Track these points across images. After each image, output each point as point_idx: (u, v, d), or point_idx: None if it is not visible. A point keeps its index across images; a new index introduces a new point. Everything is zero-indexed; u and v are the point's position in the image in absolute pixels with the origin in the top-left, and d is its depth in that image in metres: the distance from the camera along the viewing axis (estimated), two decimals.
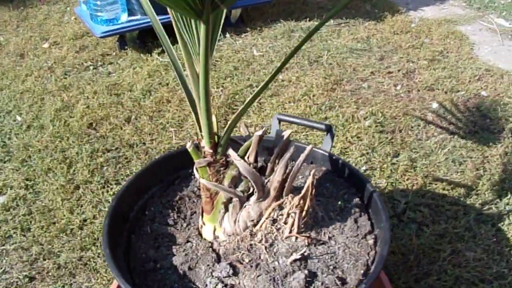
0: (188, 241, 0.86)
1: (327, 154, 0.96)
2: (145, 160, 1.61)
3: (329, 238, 0.80)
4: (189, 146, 0.75)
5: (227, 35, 2.51)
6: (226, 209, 0.81)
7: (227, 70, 2.15)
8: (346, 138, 1.64)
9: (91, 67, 2.36)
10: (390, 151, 1.57)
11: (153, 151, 1.65)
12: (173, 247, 0.84)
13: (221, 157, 0.77)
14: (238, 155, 0.75)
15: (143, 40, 2.48)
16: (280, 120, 1.01)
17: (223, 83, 2.05)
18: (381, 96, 1.92)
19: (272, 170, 0.78)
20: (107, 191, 1.47)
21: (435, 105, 1.87)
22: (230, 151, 0.75)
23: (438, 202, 1.37)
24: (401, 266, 1.17)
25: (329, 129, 0.96)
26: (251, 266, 0.76)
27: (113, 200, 0.88)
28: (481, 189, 1.43)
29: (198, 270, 0.78)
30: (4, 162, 1.64)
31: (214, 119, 0.75)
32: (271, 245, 0.78)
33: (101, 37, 2.34)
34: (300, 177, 0.96)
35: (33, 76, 2.26)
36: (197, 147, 0.77)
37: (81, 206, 1.42)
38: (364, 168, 1.49)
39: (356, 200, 0.88)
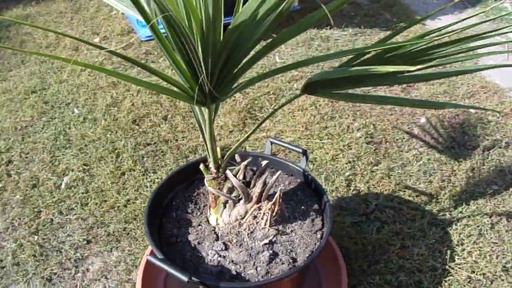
0: (199, 225, 1.30)
1: (301, 170, 1.37)
2: (177, 154, 2.07)
3: (291, 231, 1.23)
4: (201, 167, 1.19)
5: None
6: (224, 207, 1.24)
7: (250, 76, 2.56)
8: (339, 146, 2.04)
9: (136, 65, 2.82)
10: (373, 160, 1.97)
11: (184, 147, 2.11)
12: (189, 228, 1.29)
13: (222, 174, 1.20)
14: (233, 174, 1.19)
15: None
16: (271, 142, 1.44)
17: (245, 89, 2.47)
18: (377, 109, 2.29)
19: (255, 185, 1.21)
20: (146, 178, 1.95)
21: (423, 120, 2.22)
22: (228, 172, 1.18)
23: (402, 206, 1.76)
24: (360, 253, 1.59)
25: (304, 153, 1.37)
26: (237, 245, 1.19)
27: (152, 193, 1.33)
28: (441, 198, 1.81)
29: (204, 244, 1.23)
30: (66, 149, 2.14)
31: (218, 150, 1.18)
32: (251, 232, 1.21)
33: (145, 41, 2.80)
34: (281, 185, 1.39)
35: (87, 71, 2.74)
36: (207, 166, 1.21)
37: (126, 189, 1.90)
38: (347, 173, 1.90)
39: (316, 206, 1.29)
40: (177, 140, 2.16)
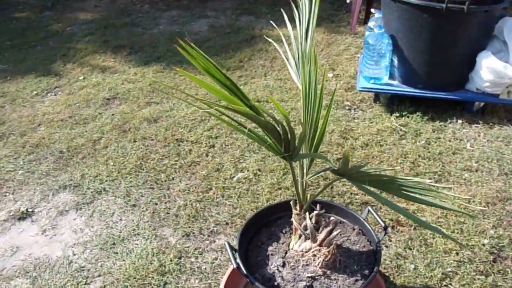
0: (282, 243, 1.76)
1: (376, 239, 1.68)
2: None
3: (334, 279, 1.56)
4: (291, 203, 1.66)
5: (459, 121, 3.06)
6: (299, 238, 1.67)
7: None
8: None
9: (347, 107, 3.33)
10: None
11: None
12: (274, 242, 1.76)
13: (303, 213, 1.64)
14: (309, 217, 1.61)
15: (392, 101, 3.28)
16: (369, 210, 1.78)
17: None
18: None
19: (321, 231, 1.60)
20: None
21: None
22: (306, 214, 1.61)
23: None
24: None
25: (385, 228, 1.67)
26: (291, 268, 1.61)
27: (259, 210, 1.85)
28: None
29: (274, 256, 1.69)
30: (254, 153, 2.85)
31: (307, 195, 1.62)
32: (306, 264, 1.60)
33: (360, 91, 3.28)
34: (348, 239, 1.72)
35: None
36: (295, 204, 1.67)
37: (274, 200, 2.47)
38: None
39: (366, 272, 1.59)
40: None
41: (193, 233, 2.30)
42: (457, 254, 2.09)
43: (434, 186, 1.96)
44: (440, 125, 3.02)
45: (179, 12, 5.51)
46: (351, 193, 2.45)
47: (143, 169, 2.77)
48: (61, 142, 3.17)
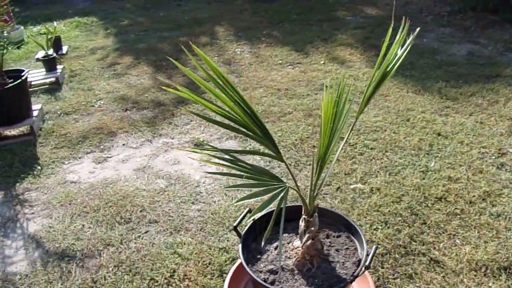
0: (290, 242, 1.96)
1: (364, 254, 1.70)
2: None
3: (296, 279, 1.71)
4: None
5: None
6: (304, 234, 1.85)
7: None
8: None
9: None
10: None
11: None
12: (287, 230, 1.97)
13: (308, 218, 1.80)
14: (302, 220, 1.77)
15: None
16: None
17: None
18: None
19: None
20: None
21: None
22: (301, 220, 1.78)
23: None
24: None
25: (375, 250, 1.68)
26: (277, 253, 1.83)
27: (277, 208, 2.06)
28: None
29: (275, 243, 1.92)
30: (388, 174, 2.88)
31: (313, 203, 1.77)
32: (289, 257, 1.79)
33: None
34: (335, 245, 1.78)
35: None
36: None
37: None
38: None
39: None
40: None
41: None
42: None
43: None
44: None
45: (452, 31, 5.39)
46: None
47: None
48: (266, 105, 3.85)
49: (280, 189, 1.52)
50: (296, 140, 3.31)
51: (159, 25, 6.68)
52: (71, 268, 2.34)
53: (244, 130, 1.55)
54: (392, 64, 1.83)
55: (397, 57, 1.83)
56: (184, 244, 2.43)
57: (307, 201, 1.75)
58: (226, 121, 1.54)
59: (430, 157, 2.97)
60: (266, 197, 1.52)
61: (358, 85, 4.11)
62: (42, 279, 2.29)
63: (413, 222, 2.42)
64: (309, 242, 1.73)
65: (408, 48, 1.82)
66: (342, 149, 3.12)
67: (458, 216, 2.45)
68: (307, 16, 6.26)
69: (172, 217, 2.66)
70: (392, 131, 3.30)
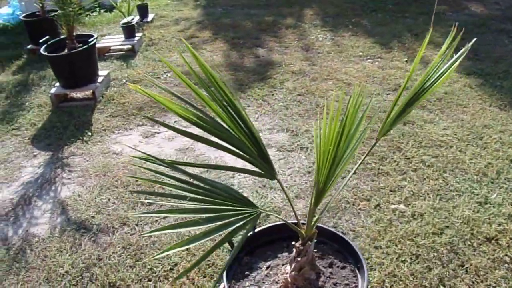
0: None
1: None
2: None
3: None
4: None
5: None
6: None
7: None
8: None
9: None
10: None
11: None
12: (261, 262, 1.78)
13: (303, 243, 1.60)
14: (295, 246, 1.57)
15: None
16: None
17: None
18: None
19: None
20: None
21: None
22: (294, 247, 1.58)
23: None
24: None
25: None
26: (265, 275, 1.65)
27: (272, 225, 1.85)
28: None
29: (267, 263, 1.74)
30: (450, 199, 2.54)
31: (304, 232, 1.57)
32: (276, 281, 1.61)
33: None
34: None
35: None
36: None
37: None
38: None
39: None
40: None
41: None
42: None
43: None
44: None
45: None
46: None
47: None
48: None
49: (245, 215, 1.33)
50: None
51: (248, 1, 6.57)
52: (83, 241, 2.35)
53: (226, 145, 1.36)
54: (430, 82, 1.52)
55: (438, 74, 1.52)
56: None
57: (304, 227, 1.55)
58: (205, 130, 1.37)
59: (494, 186, 2.57)
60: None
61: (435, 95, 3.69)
62: (54, 247, 2.33)
63: (449, 262, 2.10)
64: (296, 272, 1.54)
65: (455, 64, 1.51)
66: (395, 161, 2.82)
67: (506, 265, 2.08)
68: (404, 7, 5.78)
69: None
70: (458, 149, 2.91)
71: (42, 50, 3.68)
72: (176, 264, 2.18)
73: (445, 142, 2.98)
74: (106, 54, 4.86)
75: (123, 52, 4.86)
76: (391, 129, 1.56)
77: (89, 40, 3.75)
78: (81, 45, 3.72)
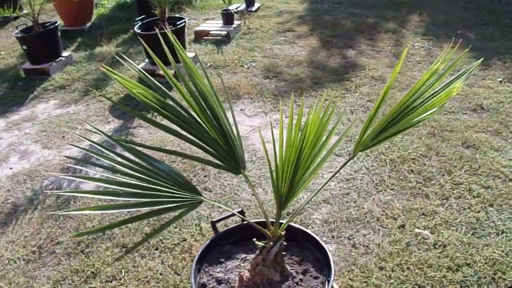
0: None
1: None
2: None
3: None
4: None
5: None
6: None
7: None
8: None
9: None
10: None
11: None
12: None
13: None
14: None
15: None
16: None
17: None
18: None
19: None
20: None
21: None
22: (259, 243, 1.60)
23: None
24: None
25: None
26: (237, 266, 1.71)
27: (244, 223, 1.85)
28: None
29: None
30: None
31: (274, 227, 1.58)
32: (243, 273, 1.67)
33: None
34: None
35: None
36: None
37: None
38: None
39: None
40: None
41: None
42: None
43: None
44: None
45: None
46: None
47: None
48: None
49: (181, 199, 1.40)
50: (398, 157, 2.93)
51: (356, 0, 6.44)
52: None
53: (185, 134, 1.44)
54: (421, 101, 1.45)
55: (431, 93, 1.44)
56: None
57: (272, 227, 1.58)
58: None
59: None
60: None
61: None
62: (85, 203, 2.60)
63: None
64: (252, 269, 1.58)
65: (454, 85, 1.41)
66: (440, 184, 2.65)
67: None
68: None
69: (225, 191, 2.69)
70: None
71: (136, 28, 4.02)
72: (184, 240, 2.31)
73: (505, 174, 2.72)
74: (204, 37, 5.13)
75: (219, 38, 5.10)
76: (374, 145, 1.51)
77: (177, 23, 4.02)
78: (171, 26, 4.00)
